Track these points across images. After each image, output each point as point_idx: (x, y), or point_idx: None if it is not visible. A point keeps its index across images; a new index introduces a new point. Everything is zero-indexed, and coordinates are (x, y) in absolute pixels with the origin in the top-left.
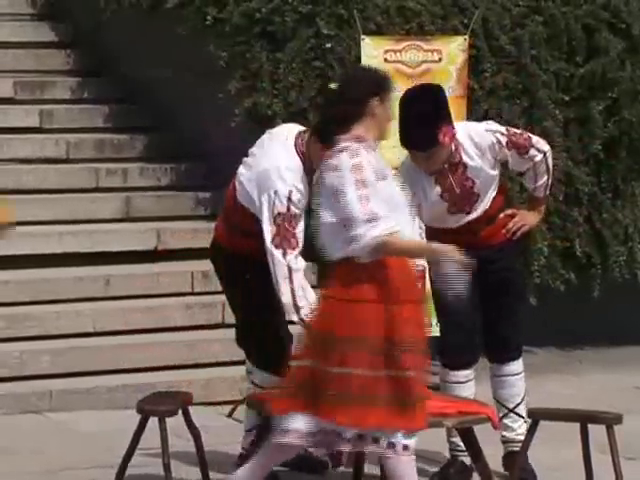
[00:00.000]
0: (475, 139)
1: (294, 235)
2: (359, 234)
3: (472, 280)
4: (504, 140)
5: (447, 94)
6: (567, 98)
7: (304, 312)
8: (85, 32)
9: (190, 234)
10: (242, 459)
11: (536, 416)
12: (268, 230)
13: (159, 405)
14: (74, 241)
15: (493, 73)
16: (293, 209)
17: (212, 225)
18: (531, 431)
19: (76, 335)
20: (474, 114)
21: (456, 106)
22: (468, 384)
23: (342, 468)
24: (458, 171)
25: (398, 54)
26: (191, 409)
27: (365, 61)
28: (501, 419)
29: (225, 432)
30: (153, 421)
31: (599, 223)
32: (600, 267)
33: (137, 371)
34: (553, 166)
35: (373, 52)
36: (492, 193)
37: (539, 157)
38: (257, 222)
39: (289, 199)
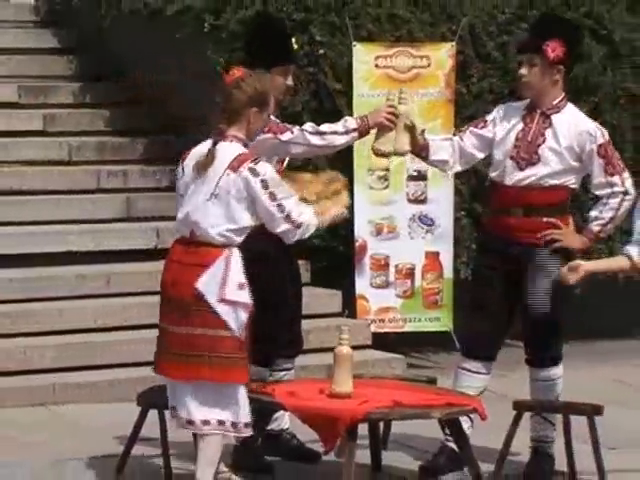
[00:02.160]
0: (582, 118)
1: (280, 128)
2: None
3: (509, 284)
4: (600, 141)
5: (435, 98)
6: None
7: None
8: (87, 38)
9: None
10: (237, 450)
11: (521, 407)
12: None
13: (158, 398)
14: (77, 240)
15: (480, 78)
16: None
17: None
18: (515, 422)
19: (79, 331)
20: (461, 117)
21: (444, 110)
22: (477, 376)
23: (333, 457)
24: (545, 122)
25: (388, 60)
26: None
27: (357, 67)
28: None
29: None
30: (153, 413)
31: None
32: None
33: (137, 365)
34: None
35: (364, 58)
36: (555, 180)
37: (619, 190)
38: None
39: None
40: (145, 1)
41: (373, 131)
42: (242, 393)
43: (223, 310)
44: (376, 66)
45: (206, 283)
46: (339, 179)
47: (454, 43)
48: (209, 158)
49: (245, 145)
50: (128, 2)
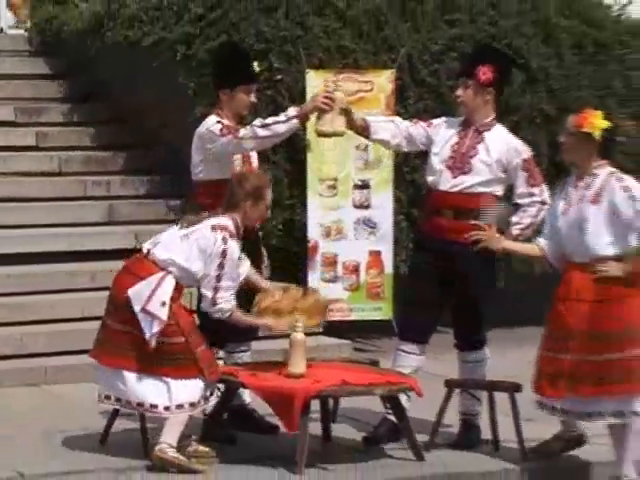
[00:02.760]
0: (509, 136)
1: (237, 129)
2: None
3: (441, 277)
4: (524, 156)
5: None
6: None
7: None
8: (74, 65)
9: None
10: (205, 423)
11: (451, 385)
12: (220, 142)
13: None
14: (65, 241)
15: (416, 100)
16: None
17: None
18: (446, 398)
19: (68, 320)
20: None
21: None
22: (412, 356)
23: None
24: (477, 138)
25: (337, 84)
26: None
27: (309, 90)
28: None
29: None
30: None
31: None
32: (504, 261)
33: None
34: None
35: (316, 83)
36: (484, 187)
37: (537, 199)
38: None
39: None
40: (125, 34)
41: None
42: (173, 384)
43: (142, 317)
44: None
45: (136, 292)
46: (317, 304)
47: (394, 70)
48: (198, 219)
49: (236, 226)
50: (110, 34)
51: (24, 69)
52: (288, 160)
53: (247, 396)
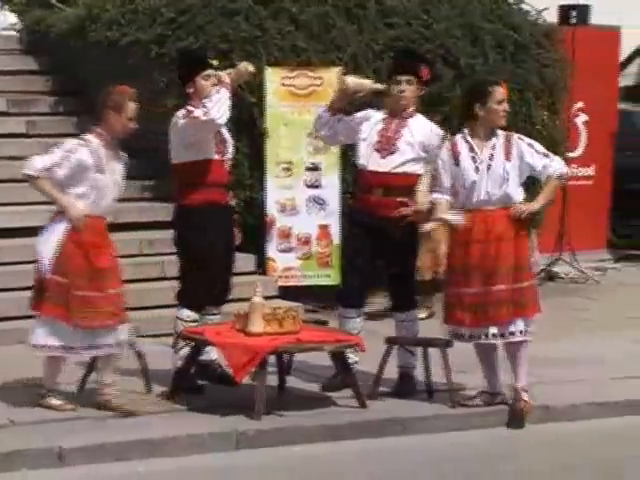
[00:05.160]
0: (428, 122)
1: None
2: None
3: (372, 249)
4: (442, 135)
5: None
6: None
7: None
8: (60, 62)
9: (138, 212)
10: (176, 375)
11: (391, 342)
12: (182, 123)
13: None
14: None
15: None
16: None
17: (155, 205)
18: (387, 353)
19: None
20: None
21: None
22: (354, 319)
23: (250, 381)
24: (401, 123)
25: (291, 80)
26: (141, 340)
27: (268, 85)
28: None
29: (164, 356)
30: None
31: None
32: None
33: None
34: None
35: (273, 78)
36: (409, 167)
37: None
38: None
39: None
40: (105, 34)
41: None
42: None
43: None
44: (282, 85)
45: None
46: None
47: (341, 67)
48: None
49: (102, 139)
50: (92, 35)
51: (16, 65)
52: (248, 146)
53: (214, 353)
